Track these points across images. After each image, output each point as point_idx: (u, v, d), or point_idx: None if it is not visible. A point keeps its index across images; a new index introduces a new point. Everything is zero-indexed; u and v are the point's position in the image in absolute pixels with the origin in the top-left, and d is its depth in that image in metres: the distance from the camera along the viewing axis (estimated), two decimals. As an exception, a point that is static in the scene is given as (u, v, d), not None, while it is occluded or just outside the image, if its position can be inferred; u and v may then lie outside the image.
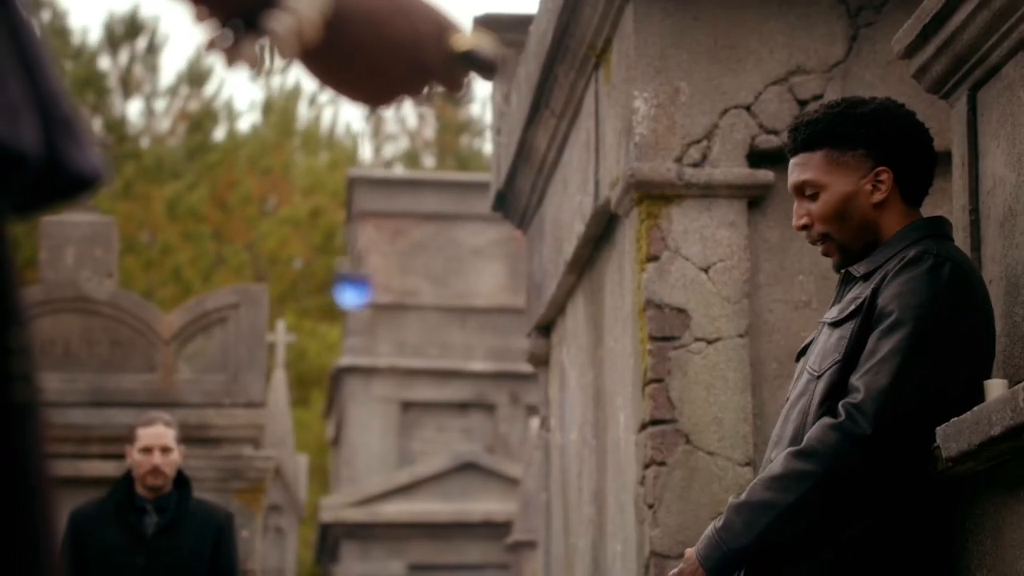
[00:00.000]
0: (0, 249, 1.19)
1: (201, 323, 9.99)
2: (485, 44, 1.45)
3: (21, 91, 1.21)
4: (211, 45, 1.38)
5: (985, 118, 3.50)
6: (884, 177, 3.35)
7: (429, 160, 31.74)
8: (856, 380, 3.15)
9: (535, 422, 12.38)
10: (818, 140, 3.36)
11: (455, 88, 1.47)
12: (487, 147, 31.42)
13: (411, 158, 31.58)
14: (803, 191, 3.39)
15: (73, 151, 1.26)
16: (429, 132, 32.32)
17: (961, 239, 3.51)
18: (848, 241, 3.35)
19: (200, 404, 9.80)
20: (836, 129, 3.35)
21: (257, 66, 1.37)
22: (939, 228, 3.37)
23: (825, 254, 3.41)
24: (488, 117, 33.53)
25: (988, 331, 3.25)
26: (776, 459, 3.22)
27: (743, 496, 3.22)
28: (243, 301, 10.05)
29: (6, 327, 1.18)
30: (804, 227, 3.39)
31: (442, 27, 1.44)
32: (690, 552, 3.28)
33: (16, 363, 1.18)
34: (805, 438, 3.17)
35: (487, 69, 1.46)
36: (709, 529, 3.26)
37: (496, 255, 19.72)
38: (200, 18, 1.37)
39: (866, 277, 3.30)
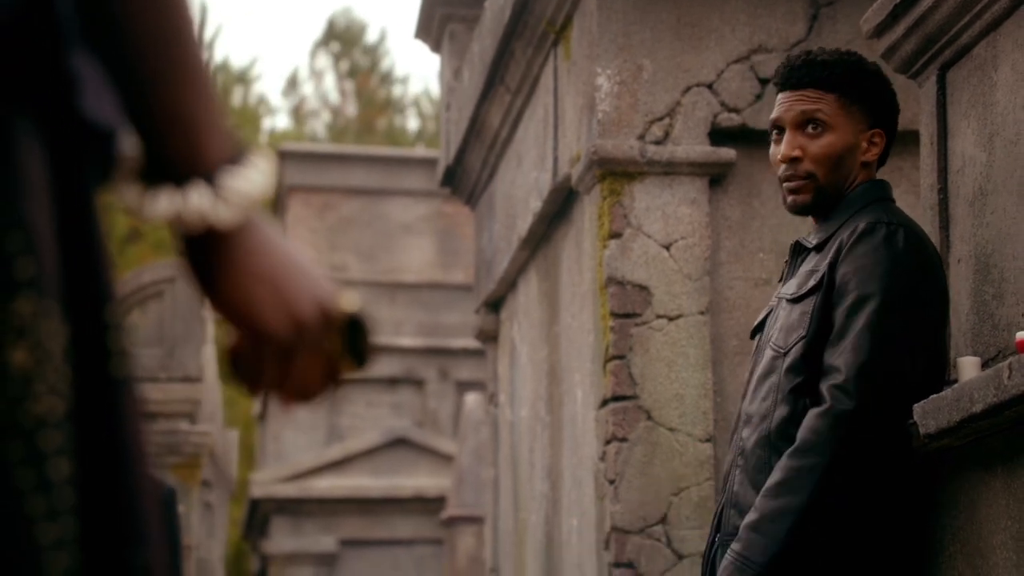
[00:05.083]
0: (94, 224, 1.18)
1: (137, 297, 9.90)
2: (363, 307, 1.36)
3: (96, 73, 1.21)
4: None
5: (955, 98, 3.53)
6: (878, 140, 3.36)
7: (351, 137, 31.54)
8: (835, 360, 3.13)
9: (471, 398, 12.37)
10: (833, 82, 3.32)
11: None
12: (410, 123, 31.31)
13: (334, 134, 31.36)
14: (805, 125, 3.32)
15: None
16: (351, 109, 32.10)
17: (929, 218, 3.54)
18: (830, 188, 3.30)
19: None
20: (851, 78, 3.33)
21: (147, 215, 1.25)
22: (884, 191, 3.36)
23: (794, 191, 3.31)
24: (411, 94, 33.40)
25: (944, 293, 3.27)
26: (775, 467, 3.13)
27: (754, 515, 3.12)
28: (180, 275, 9.97)
29: (103, 302, 1.17)
30: (793, 159, 3.31)
31: (328, 284, 1.34)
32: None
33: (113, 339, 1.17)
34: (798, 436, 3.11)
35: (368, 335, 1.36)
36: (728, 557, 3.13)
37: (426, 231, 19.67)
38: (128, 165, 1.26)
39: (818, 248, 3.29)
